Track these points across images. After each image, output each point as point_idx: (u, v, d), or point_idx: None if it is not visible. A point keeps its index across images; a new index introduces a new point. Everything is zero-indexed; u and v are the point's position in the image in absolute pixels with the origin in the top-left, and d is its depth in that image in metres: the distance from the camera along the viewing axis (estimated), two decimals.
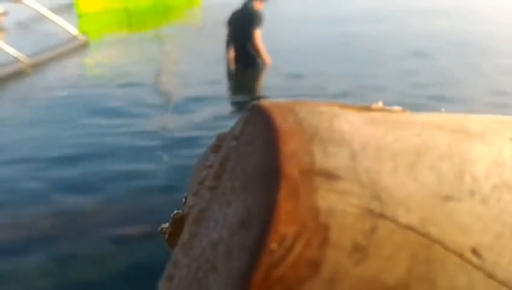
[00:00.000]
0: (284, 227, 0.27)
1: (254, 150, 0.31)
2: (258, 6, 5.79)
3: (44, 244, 2.87)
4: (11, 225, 3.11)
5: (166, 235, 0.43)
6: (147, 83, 6.14)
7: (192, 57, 7.54)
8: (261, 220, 0.28)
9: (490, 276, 0.27)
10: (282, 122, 0.31)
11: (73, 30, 8.59)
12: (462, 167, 0.30)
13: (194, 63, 7.13)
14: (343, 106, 0.35)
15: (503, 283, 0.27)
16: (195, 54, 7.76)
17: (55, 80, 6.38)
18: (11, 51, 6.82)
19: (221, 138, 0.35)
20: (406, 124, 0.33)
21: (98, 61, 7.63)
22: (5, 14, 11.45)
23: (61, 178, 3.65)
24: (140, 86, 5.98)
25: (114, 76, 6.41)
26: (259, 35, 5.77)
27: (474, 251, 0.27)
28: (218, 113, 4.83)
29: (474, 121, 0.35)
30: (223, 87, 6.03)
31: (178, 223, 0.39)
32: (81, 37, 8.48)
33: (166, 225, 0.44)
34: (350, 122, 0.32)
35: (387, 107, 0.35)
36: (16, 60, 6.74)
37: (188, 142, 4.11)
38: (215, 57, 6.83)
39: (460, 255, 0.27)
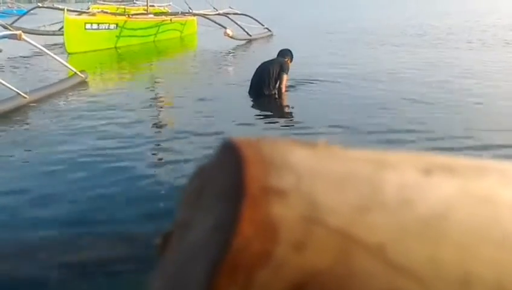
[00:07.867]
0: (246, 228, 0.38)
1: (227, 174, 0.42)
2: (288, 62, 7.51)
3: (39, 279, 2.91)
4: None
5: (159, 249, 0.53)
6: (144, 124, 6.22)
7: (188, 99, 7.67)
8: (230, 223, 0.39)
9: (390, 262, 0.38)
10: (248, 154, 0.42)
11: (72, 67, 8.73)
12: (377, 186, 0.42)
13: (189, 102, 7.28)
14: (296, 142, 0.46)
15: (399, 267, 0.38)
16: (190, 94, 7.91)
17: (53, 119, 6.46)
18: (10, 86, 6.91)
19: (201, 167, 0.47)
20: (341, 157, 0.45)
21: (95, 99, 7.72)
22: None
23: (55, 216, 3.70)
24: (138, 127, 6.05)
25: (112, 115, 6.51)
26: (286, 79, 7.35)
27: (380, 245, 0.39)
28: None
29: (394, 156, 0.47)
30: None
31: (168, 238, 0.50)
32: (81, 74, 8.61)
33: (159, 240, 0.55)
34: (299, 155, 0.44)
35: (330, 144, 0.47)
36: (16, 96, 6.83)
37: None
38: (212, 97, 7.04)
39: (369, 248, 0.38)
